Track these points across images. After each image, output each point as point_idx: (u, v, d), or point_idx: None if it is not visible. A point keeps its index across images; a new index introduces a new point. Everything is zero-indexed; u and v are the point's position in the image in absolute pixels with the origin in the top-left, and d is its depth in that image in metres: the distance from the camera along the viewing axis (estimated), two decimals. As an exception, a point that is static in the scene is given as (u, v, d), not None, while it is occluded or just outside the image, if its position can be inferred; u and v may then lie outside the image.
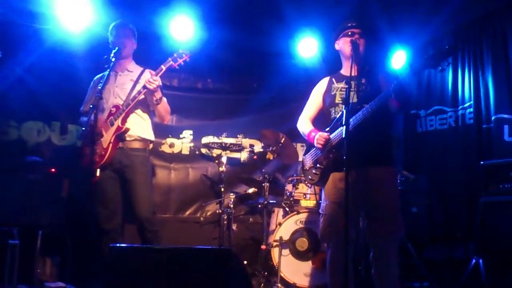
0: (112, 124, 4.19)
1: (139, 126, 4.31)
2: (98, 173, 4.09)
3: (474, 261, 4.18)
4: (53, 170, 4.65)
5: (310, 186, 5.01)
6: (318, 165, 3.55)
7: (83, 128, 3.92)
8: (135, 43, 4.45)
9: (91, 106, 3.86)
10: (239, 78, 6.27)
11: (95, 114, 3.86)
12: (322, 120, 3.77)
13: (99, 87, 3.96)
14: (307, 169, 3.66)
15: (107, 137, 4.17)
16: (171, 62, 4.13)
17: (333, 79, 3.69)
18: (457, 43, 5.44)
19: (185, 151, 6.11)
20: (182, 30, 5.38)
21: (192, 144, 6.12)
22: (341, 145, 3.22)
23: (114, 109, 4.22)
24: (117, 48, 4.11)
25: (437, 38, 5.69)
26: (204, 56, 5.67)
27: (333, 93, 3.61)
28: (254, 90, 6.30)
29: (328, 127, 3.53)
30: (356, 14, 4.80)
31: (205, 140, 6.05)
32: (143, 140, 4.33)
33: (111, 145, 4.15)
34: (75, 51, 5.23)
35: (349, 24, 3.54)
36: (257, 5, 5.29)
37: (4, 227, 4.25)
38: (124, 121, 4.17)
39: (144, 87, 4.09)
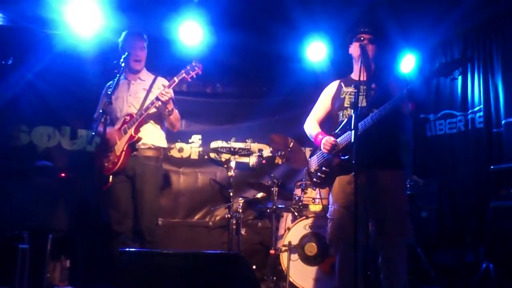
0: (125, 133, 4.23)
1: (153, 135, 4.36)
2: (110, 180, 4.18)
3: (484, 265, 4.15)
4: (63, 174, 4.68)
5: (314, 188, 5.00)
6: (324, 168, 3.54)
7: (93, 133, 3.94)
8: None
9: (100, 111, 3.89)
10: (248, 82, 6.28)
11: (105, 119, 3.94)
12: (329, 123, 3.76)
13: (109, 92, 3.99)
14: (313, 171, 3.65)
15: (120, 145, 4.22)
16: (184, 74, 4.17)
17: (343, 83, 3.69)
18: (466, 48, 5.42)
19: (194, 156, 6.12)
20: (191, 35, 5.40)
21: (201, 149, 6.13)
22: (349, 148, 3.22)
23: (128, 118, 4.27)
24: (126, 53, 4.14)
25: (446, 42, 5.67)
26: (212, 60, 5.68)
27: (342, 96, 3.61)
28: (262, 95, 6.30)
29: (336, 130, 3.52)
30: (368, 18, 4.79)
31: (214, 144, 6.06)
32: (156, 148, 4.37)
33: (123, 153, 4.19)
34: (85, 56, 5.27)
35: (360, 29, 3.55)
36: (266, 9, 5.30)
37: (14, 231, 4.28)
38: (137, 130, 4.22)
39: (157, 98, 4.12)
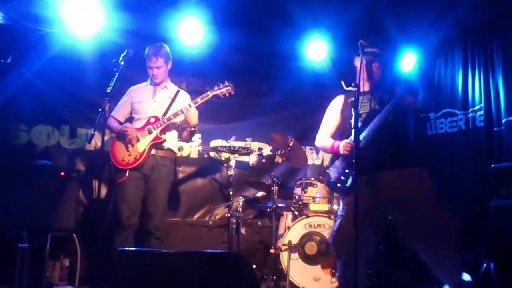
0: (150, 132, 4.53)
1: (171, 139, 4.70)
2: (127, 174, 4.43)
3: (485, 265, 4.14)
4: (62, 173, 4.68)
5: (342, 197, 4.97)
6: (346, 170, 3.51)
7: (92, 132, 3.95)
8: (170, 63, 4.78)
9: (99, 109, 3.89)
10: (247, 81, 6.23)
11: (104, 117, 3.96)
12: (339, 136, 3.76)
13: (108, 90, 3.99)
14: (333, 180, 3.62)
15: (144, 143, 4.50)
16: (218, 91, 4.65)
17: (349, 96, 3.67)
18: (467, 46, 5.41)
19: (194, 155, 6.11)
20: (191, 33, 5.39)
21: (200, 148, 6.13)
22: (369, 146, 3.29)
23: (153, 119, 4.58)
24: (126, 51, 4.14)
25: (447, 40, 5.66)
26: (212, 59, 5.69)
27: (352, 114, 3.60)
28: (262, 93, 6.30)
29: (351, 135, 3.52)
30: (375, 33, 4.78)
31: (213, 143, 6.05)
32: (172, 151, 4.72)
33: (146, 151, 4.47)
34: (84, 55, 5.25)
35: (367, 46, 3.52)
36: (266, 8, 5.28)
37: (14, 230, 4.27)
38: (162, 132, 4.56)
39: (182, 111, 4.51)
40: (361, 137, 3.39)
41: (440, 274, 3.32)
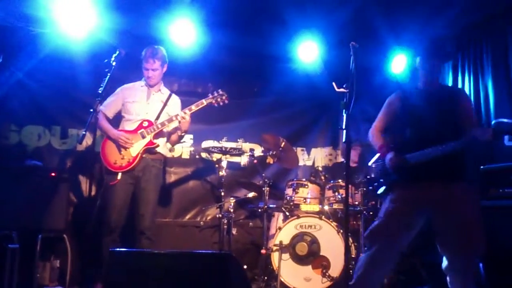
0: (143, 136, 4.55)
1: (161, 143, 4.70)
2: (119, 177, 4.42)
3: (474, 265, 4.16)
4: (53, 174, 4.66)
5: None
6: (381, 179, 3.56)
7: (83, 132, 3.93)
8: (166, 66, 4.80)
9: (91, 110, 3.89)
10: (239, 82, 6.24)
11: (96, 117, 4.03)
12: (392, 132, 3.76)
13: (99, 91, 3.98)
14: (370, 178, 3.66)
15: (137, 147, 4.52)
16: (213, 100, 4.70)
17: (407, 94, 3.70)
18: (458, 48, 5.43)
19: (185, 155, 6.11)
20: (183, 34, 5.38)
21: (192, 148, 6.13)
22: (418, 167, 3.32)
23: (146, 123, 4.59)
24: (117, 52, 4.14)
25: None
26: (204, 60, 5.68)
27: (406, 109, 3.61)
28: (254, 95, 6.31)
29: (402, 145, 3.53)
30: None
31: (205, 144, 6.05)
32: (162, 154, 4.75)
33: (139, 155, 4.50)
34: (76, 55, 5.23)
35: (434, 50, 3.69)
36: (258, 9, 5.28)
37: (4, 231, 4.25)
38: (156, 137, 4.59)
39: (177, 117, 4.56)
40: (412, 154, 3.40)
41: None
